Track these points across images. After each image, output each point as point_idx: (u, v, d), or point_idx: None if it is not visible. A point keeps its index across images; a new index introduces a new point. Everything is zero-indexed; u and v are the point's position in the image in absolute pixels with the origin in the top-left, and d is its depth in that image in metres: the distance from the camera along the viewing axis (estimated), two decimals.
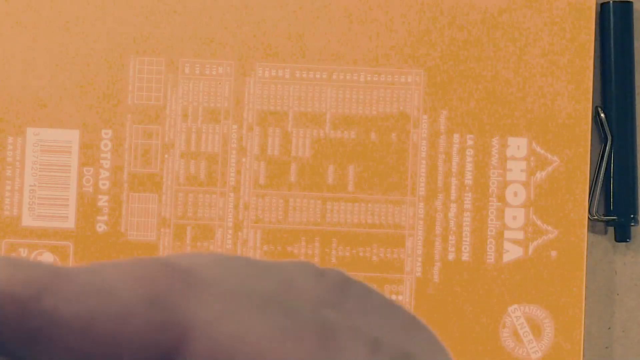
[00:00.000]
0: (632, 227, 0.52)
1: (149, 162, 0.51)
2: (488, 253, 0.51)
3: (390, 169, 0.51)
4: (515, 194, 0.51)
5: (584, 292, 0.51)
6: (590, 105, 0.51)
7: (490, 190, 0.51)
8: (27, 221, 0.51)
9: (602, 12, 0.53)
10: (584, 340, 0.51)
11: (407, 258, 0.51)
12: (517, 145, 0.51)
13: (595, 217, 0.52)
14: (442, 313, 0.51)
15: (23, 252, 0.50)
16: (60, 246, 0.50)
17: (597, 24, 0.52)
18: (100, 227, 0.51)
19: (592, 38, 0.51)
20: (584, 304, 0.51)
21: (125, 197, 0.51)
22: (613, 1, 0.53)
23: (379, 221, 0.51)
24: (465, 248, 0.51)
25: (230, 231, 0.51)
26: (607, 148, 0.52)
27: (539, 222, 0.51)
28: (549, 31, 0.51)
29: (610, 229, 0.53)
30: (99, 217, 0.51)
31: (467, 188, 0.51)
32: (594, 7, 0.52)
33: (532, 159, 0.51)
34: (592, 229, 0.53)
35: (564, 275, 0.51)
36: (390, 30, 0.51)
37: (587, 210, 0.51)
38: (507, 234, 0.51)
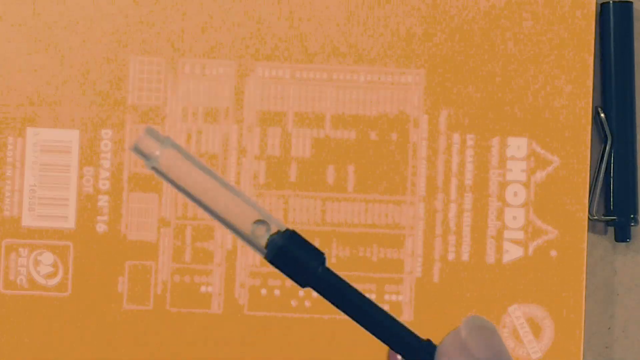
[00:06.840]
0: (632, 227, 0.52)
1: None
2: (488, 253, 0.51)
3: (390, 169, 0.51)
4: (515, 194, 0.51)
5: (584, 292, 0.51)
6: (590, 105, 0.51)
7: (490, 190, 0.51)
8: (27, 221, 0.51)
9: (602, 12, 0.53)
10: (584, 340, 0.51)
11: (407, 258, 0.51)
12: (517, 145, 0.51)
13: (595, 217, 0.52)
14: (442, 313, 0.51)
15: (23, 252, 0.50)
16: (60, 246, 0.50)
17: (597, 24, 0.52)
18: (100, 227, 0.51)
19: (592, 38, 0.51)
20: (584, 304, 0.51)
21: (125, 197, 0.51)
22: (613, 1, 0.53)
23: (379, 221, 0.51)
24: (465, 248, 0.51)
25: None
26: (607, 148, 0.52)
27: (539, 222, 0.51)
28: (549, 31, 0.51)
29: (610, 229, 0.53)
30: (99, 217, 0.51)
31: (467, 188, 0.51)
32: (594, 7, 0.52)
33: (532, 159, 0.51)
34: (592, 229, 0.53)
35: (563, 275, 0.51)
36: (390, 30, 0.51)
37: (587, 210, 0.51)
38: (507, 234, 0.51)
